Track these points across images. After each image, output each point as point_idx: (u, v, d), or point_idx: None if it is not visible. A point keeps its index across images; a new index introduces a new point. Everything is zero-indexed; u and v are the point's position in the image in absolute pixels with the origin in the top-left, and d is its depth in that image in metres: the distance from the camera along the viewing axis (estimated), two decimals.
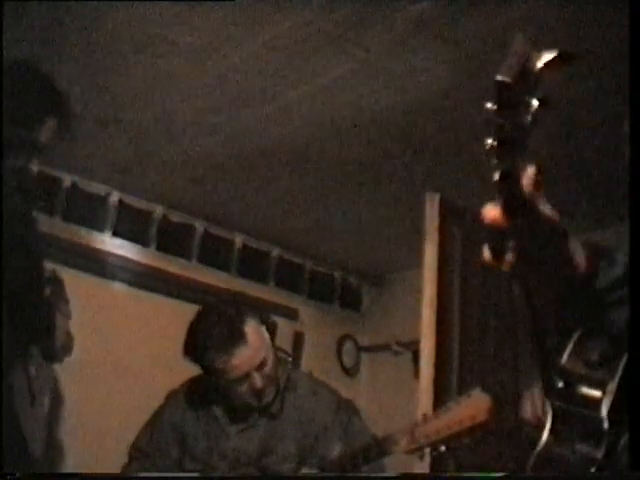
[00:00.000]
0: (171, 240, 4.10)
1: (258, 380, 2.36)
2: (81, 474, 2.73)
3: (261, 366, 2.37)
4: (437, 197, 3.13)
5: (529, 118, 1.15)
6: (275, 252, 4.51)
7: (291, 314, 4.47)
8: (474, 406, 1.97)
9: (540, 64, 1.16)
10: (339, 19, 2.52)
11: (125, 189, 3.89)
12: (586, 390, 1.44)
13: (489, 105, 1.13)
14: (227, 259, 4.31)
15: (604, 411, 1.44)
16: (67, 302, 2.61)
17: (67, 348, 2.58)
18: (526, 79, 1.15)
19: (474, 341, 3.15)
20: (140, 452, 2.54)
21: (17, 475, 1.84)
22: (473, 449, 2.18)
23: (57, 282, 2.61)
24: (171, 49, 2.72)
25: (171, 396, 2.61)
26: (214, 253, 4.25)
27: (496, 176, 1.18)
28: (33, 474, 2.07)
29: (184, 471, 2.46)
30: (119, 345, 3.74)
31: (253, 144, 3.37)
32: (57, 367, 2.70)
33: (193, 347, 2.40)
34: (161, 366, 3.59)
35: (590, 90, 2.75)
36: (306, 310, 4.59)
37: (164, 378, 2.75)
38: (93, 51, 2.74)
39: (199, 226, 4.20)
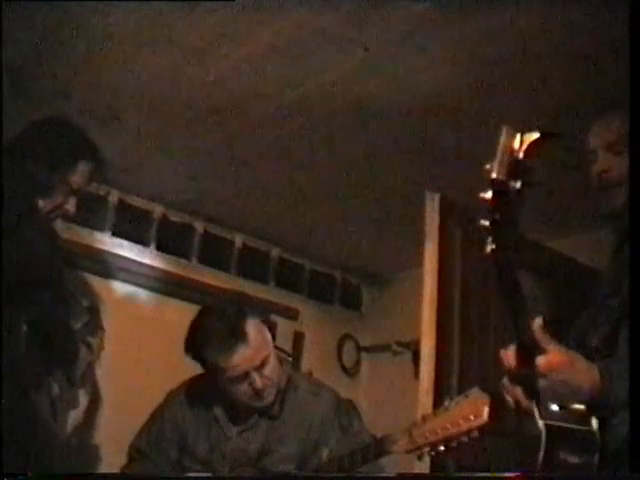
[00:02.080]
0: (171, 240, 4.10)
1: (258, 380, 2.35)
2: (83, 474, 2.73)
3: (261, 366, 2.37)
4: (437, 197, 3.12)
5: (516, 200, 1.27)
6: (275, 252, 4.51)
7: (291, 314, 4.46)
8: (472, 406, 1.97)
9: (523, 150, 1.26)
10: (339, 18, 2.52)
11: (125, 189, 3.89)
12: (577, 406, 1.50)
13: (484, 195, 1.26)
14: (227, 259, 4.30)
15: (594, 424, 1.48)
16: (102, 331, 2.73)
17: (88, 378, 2.76)
18: (515, 168, 1.26)
19: (474, 341, 3.15)
20: (139, 452, 2.54)
21: (28, 475, 1.85)
22: (473, 448, 2.17)
23: (93, 312, 2.71)
24: (171, 49, 2.72)
25: (170, 395, 2.61)
26: (214, 253, 4.25)
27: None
28: (40, 474, 2.07)
29: (184, 471, 2.46)
30: (118, 345, 3.73)
31: (253, 144, 3.37)
32: None
33: (194, 344, 2.40)
34: (161, 366, 3.59)
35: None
36: (306, 310, 4.58)
37: (164, 378, 2.75)
38: (93, 51, 2.74)
39: (199, 226, 4.20)
